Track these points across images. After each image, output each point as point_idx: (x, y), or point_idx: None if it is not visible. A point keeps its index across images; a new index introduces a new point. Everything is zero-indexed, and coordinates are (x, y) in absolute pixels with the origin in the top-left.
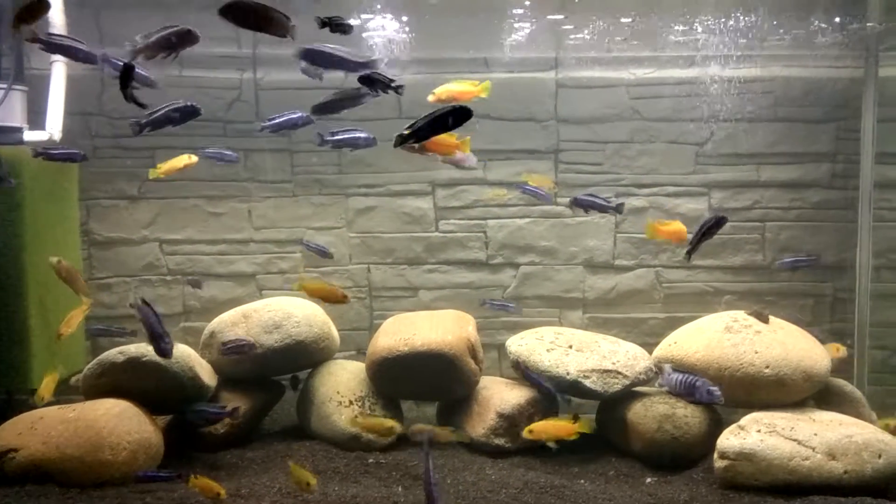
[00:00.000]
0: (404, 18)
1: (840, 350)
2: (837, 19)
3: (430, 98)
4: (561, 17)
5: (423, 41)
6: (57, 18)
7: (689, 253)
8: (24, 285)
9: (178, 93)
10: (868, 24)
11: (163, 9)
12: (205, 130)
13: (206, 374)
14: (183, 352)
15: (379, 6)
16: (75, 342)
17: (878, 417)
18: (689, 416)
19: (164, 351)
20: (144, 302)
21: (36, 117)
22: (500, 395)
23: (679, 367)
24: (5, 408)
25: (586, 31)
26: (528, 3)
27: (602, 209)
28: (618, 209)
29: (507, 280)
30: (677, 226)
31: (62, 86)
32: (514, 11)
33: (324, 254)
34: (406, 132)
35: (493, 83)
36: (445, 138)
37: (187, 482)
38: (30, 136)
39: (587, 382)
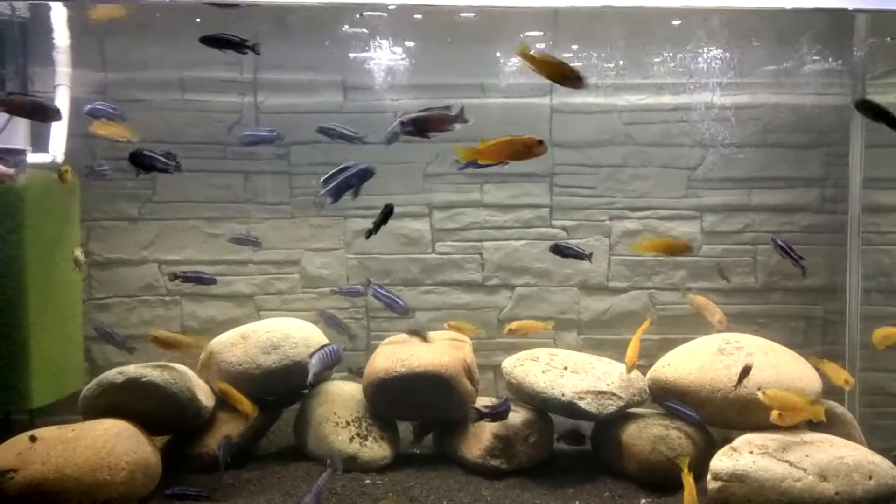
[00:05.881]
0: (404, 45)
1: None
2: (825, 47)
3: None
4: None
5: (421, 67)
6: (61, 44)
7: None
8: (25, 306)
9: (179, 116)
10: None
11: (165, 37)
12: (205, 153)
13: (204, 395)
14: (181, 372)
15: (382, 32)
16: (74, 362)
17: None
18: (682, 437)
19: None
20: None
21: (39, 140)
22: None
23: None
24: (4, 428)
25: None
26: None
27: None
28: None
29: (503, 301)
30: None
31: (65, 108)
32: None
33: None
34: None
35: (489, 108)
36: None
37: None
38: (33, 158)
39: (582, 404)
